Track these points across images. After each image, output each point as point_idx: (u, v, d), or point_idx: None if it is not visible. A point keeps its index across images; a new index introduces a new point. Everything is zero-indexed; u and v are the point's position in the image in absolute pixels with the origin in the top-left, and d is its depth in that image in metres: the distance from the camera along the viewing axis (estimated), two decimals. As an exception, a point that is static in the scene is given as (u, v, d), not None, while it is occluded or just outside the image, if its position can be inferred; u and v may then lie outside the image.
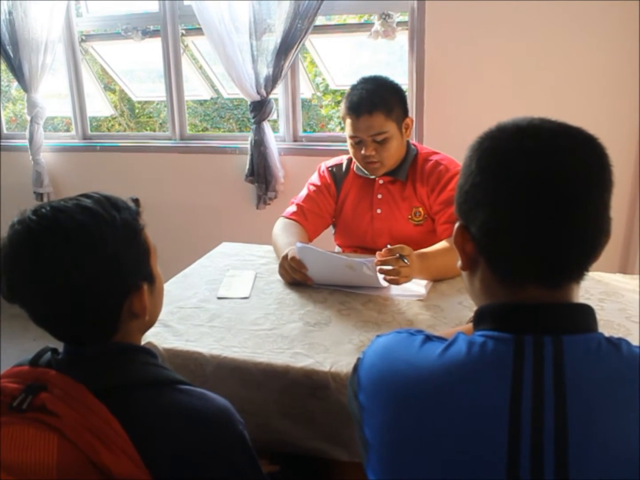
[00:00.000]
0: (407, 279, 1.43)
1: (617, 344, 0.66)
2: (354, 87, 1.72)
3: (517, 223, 0.67)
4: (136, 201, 0.88)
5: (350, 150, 1.76)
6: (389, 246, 1.44)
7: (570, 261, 0.68)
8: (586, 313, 0.69)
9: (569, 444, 0.60)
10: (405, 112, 1.73)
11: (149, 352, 0.88)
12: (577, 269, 0.69)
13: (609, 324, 1.28)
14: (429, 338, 0.73)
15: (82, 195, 0.83)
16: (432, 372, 0.67)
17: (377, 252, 1.44)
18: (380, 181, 1.81)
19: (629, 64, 2.34)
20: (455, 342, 0.69)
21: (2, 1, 3.00)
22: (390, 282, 1.44)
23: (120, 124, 6.17)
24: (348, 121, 1.71)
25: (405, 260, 1.40)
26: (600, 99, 2.41)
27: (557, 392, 0.62)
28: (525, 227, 0.66)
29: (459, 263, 0.76)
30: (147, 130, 6.18)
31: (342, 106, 1.74)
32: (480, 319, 0.72)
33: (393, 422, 0.68)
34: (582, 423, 0.61)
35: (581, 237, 0.67)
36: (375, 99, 1.66)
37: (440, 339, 0.72)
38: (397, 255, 1.40)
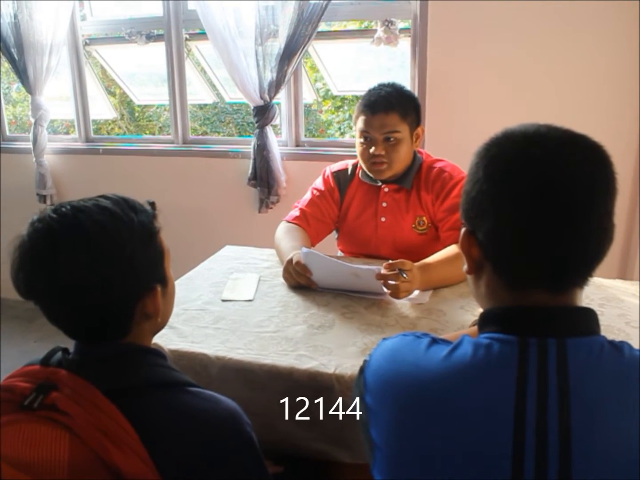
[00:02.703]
0: (408, 293, 1.45)
1: (619, 347, 0.67)
2: (372, 89, 1.75)
3: (523, 230, 0.68)
4: (152, 204, 0.89)
5: (358, 150, 1.77)
6: (390, 261, 1.46)
7: (574, 267, 0.70)
8: (589, 316, 0.70)
9: (572, 444, 0.61)
10: (418, 121, 1.76)
11: (159, 353, 0.89)
12: (581, 275, 0.71)
13: (609, 329, 1.30)
14: (435, 341, 0.74)
15: (100, 196, 0.84)
16: (438, 374, 0.68)
17: (384, 264, 1.46)
18: (385, 189, 1.81)
19: (630, 67, 2.35)
20: (461, 344, 0.70)
21: (8, 3, 3.01)
22: (391, 296, 1.45)
23: (120, 127, 6.19)
24: (362, 118, 1.72)
25: (404, 275, 1.41)
26: (601, 103, 2.43)
27: (560, 394, 0.63)
28: (530, 234, 0.68)
29: (465, 267, 0.78)
30: (146, 133, 6.19)
31: (358, 105, 1.76)
32: (485, 322, 0.74)
33: (399, 423, 0.70)
34: (585, 424, 0.62)
35: (586, 244, 0.68)
36: (393, 100, 1.69)
37: (446, 341, 0.74)
38: (397, 270, 1.42)
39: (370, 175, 1.80)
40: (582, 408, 0.63)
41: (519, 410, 0.63)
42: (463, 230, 0.75)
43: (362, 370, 0.80)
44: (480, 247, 0.73)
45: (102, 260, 0.78)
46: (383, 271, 1.43)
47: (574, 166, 0.68)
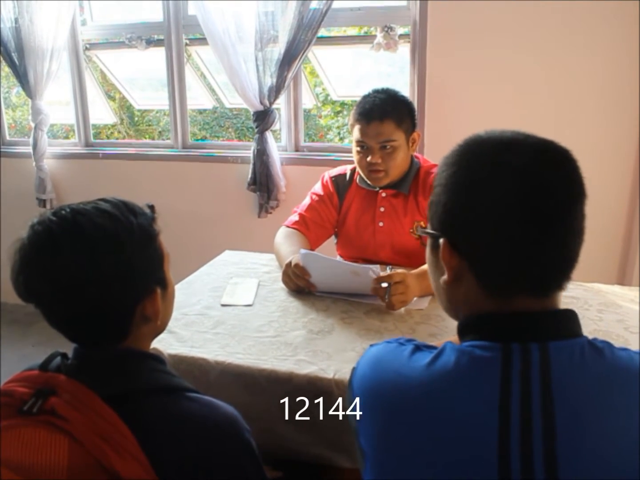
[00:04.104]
0: (404, 303, 1.45)
1: (600, 349, 0.68)
2: (366, 96, 1.74)
3: (508, 237, 0.68)
4: (152, 208, 0.89)
5: (356, 158, 1.77)
6: (388, 268, 1.46)
7: (558, 270, 0.71)
8: (570, 318, 0.71)
9: (557, 447, 0.62)
10: (414, 126, 1.76)
11: (158, 358, 0.89)
12: (564, 277, 0.72)
13: (607, 335, 1.30)
14: (418, 348, 0.74)
15: (100, 200, 0.85)
16: (421, 382, 0.69)
17: (372, 279, 1.45)
18: (383, 194, 1.82)
19: (630, 68, 2.36)
20: (444, 351, 0.70)
21: (9, 8, 3.02)
22: (387, 308, 1.45)
23: (119, 132, 6.20)
24: (357, 127, 1.72)
25: (386, 298, 1.41)
26: (601, 105, 2.44)
27: (544, 398, 0.64)
28: (516, 240, 0.68)
29: (443, 278, 0.75)
30: (146, 138, 6.20)
31: (353, 113, 1.75)
32: (467, 329, 0.74)
33: (384, 432, 0.70)
34: (569, 427, 0.63)
35: (567, 247, 0.70)
36: (388, 108, 1.69)
37: (430, 348, 0.73)
38: (386, 284, 1.42)
39: (369, 182, 1.80)
40: (565, 411, 0.63)
41: (503, 416, 0.63)
42: (441, 241, 0.74)
43: (350, 378, 0.80)
44: (462, 256, 0.72)
45: (101, 262, 0.78)
46: (373, 283, 1.44)
47: (552, 171, 0.69)
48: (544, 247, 0.68)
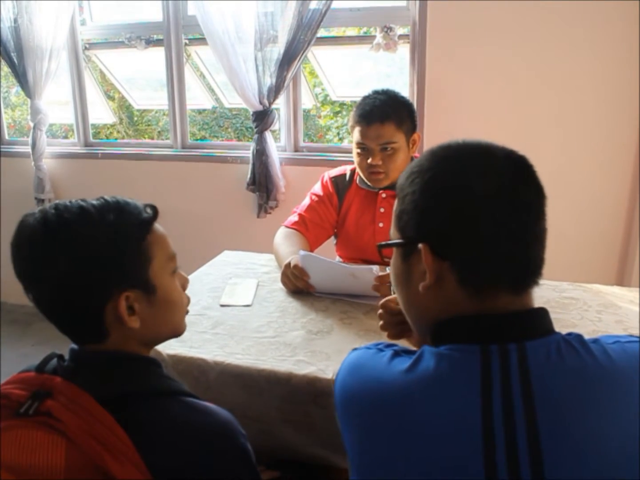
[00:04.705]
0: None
1: (573, 346, 0.68)
2: (366, 97, 1.74)
3: (490, 236, 0.69)
4: (153, 208, 0.88)
5: (356, 160, 1.77)
6: (388, 269, 1.46)
7: (535, 267, 0.73)
8: (544, 316, 0.72)
9: (541, 445, 0.62)
10: (414, 127, 1.76)
11: (153, 361, 0.89)
12: (539, 274, 0.73)
13: (606, 336, 1.30)
14: (397, 353, 0.74)
15: (98, 198, 0.85)
16: (401, 387, 0.68)
17: (374, 277, 1.45)
18: (383, 195, 1.82)
19: (630, 68, 2.36)
20: (423, 356, 0.70)
21: (8, 7, 3.02)
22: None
23: (118, 132, 6.20)
24: (357, 129, 1.72)
25: (393, 293, 1.41)
26: (601, 105, 2.44)
27: (525, 397, 0.64)
28: (497, 239, 0.69)
29: (423, 283, 0.74)
30: (145, 138, 6.20)
31: (352, 114, 1.75)
32: (444, 332, 0.73)
33: (366, 437, 0.70)
34: (551, 424, 0.63)
35: (542, 244, 0.73)
36: (388, 109, 1.68)
37: (409, 353, 0.73)
38: (388, 284, 1.42)
39: (369, 183, 1.80)
40: (546, 409, 0.63)
41: (486, 417, 0.63)
42: (421, 246, 0.72)
43: (334, 383, 0.80)
44: (441, 259, 0.72)
45: (61, 256, 0.78)
46: (375, 281, 1.44)
47: (525, 174, 0.72)
48: (523, 244, 0.70)
